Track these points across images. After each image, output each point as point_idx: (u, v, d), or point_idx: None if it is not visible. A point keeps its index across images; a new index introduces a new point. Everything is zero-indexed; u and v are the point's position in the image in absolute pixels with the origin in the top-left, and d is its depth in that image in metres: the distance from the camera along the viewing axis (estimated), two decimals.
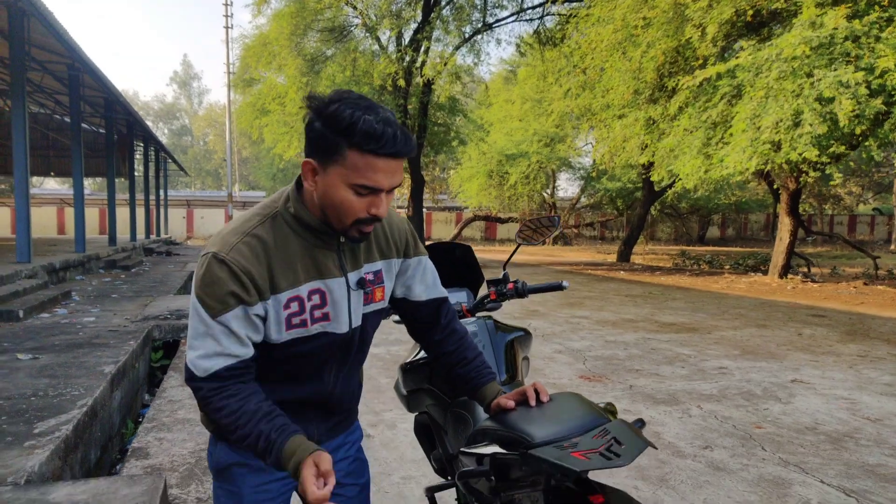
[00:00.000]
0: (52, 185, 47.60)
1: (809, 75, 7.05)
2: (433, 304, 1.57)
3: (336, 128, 1.19)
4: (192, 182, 54.06)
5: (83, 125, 16.95)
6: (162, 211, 26.55)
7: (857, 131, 7.02)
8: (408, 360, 2.11)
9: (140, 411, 5.44)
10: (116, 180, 17.31)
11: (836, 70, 6.77)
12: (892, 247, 28.57)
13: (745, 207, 31.55)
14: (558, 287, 2.11)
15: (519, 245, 2.16)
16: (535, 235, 2.10)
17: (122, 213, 21.37)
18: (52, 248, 14.42)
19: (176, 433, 3.93)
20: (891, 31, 6.81)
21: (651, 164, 10.96)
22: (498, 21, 17.17)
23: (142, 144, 21.41)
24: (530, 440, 1.27)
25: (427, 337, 1.62)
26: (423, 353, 2.03)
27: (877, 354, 6.40)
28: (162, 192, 25.84)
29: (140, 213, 22.64)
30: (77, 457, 3.55)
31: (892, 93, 6.80)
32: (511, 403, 1.45)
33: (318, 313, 1.35)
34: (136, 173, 20.30)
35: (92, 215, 29.72)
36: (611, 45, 9.49)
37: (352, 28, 16.01)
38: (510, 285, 2.10)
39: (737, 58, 7.76)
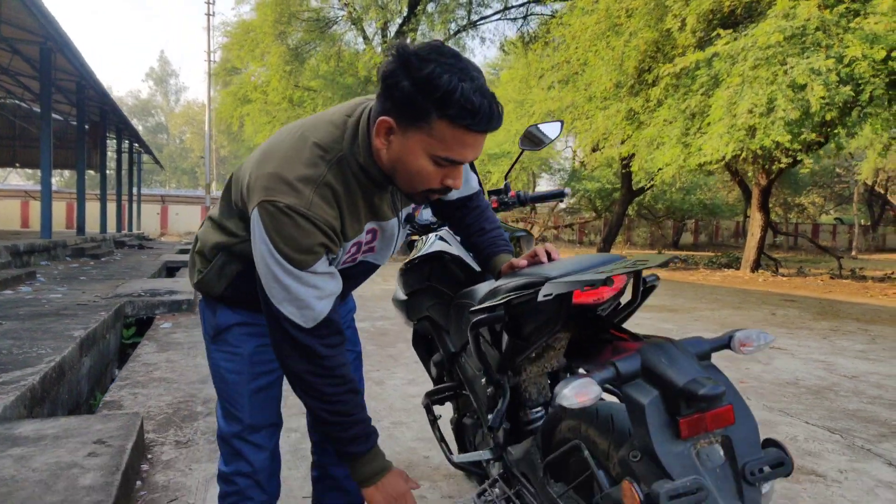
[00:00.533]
0: (17, 181, 46.31)
1: (783, 63, 7.21)
2: (462, 200, 1.59)
3: (429, 94, 1.07)
4: (168, 180, 52.94)
5: (53, 115, 16.53)
6: (134, 206, 25.91)
7: (828, 117, 7.20)
8: (406, 260, 2.07)
9: (109, 386, 5.28)
10: (87, 174, 16.88)
11: (808, 58, 6.94)
12: (853, 253, 29.41)
13: (718, 212, 32.14)
14: (560, 194, 2.10)
15: (522, 151, 2.13)
16: (536, 143, 2.08)
17: (92, 209, 20.82)
18: (16, 236, 14.00)
19: (152, 389, 3.81)
20: (858, 22, 7.01)
21: (632, 155, 11.10)
22: (482, 19, 17.27)
23: (115, 137, 20.93)
24: (548, 276, 1.24)
25: (450, 216, 1.63)
26: (422, 252, 1.99)
27: (848, 329, 6.54)
28: (135, 188, 25.27)
29: (111, 207, 22.08)
30: (43, 411, 3.41)
31: (860, 82, 6.99)
32: (523, 262, 1.43)
33: (366, 247, 1.36)
34: (107, 171, 19.79)
35: (59, 209, 28.74)
36: (594, 34, 9.62)
37: (337, 20, 15.90)
38: (512, 193, 2.09)
39: (715, 44, 7.92)
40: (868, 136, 17.57)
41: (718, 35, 7.93)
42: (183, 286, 8.52)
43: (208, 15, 21.02)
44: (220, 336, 1.40)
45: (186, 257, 14.45)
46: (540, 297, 1.21)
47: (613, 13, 9.39)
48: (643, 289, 1.36)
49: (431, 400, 2.05)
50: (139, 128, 56.65)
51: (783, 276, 13.60)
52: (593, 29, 9.61)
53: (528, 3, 15.44)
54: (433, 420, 2.08)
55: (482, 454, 1.64)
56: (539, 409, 1.68)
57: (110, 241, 17.17)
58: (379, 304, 7.40)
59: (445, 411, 2.30)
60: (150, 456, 2.75)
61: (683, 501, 0.95)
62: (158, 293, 7.28)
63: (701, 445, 1.02)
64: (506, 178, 2.16)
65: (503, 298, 1.34)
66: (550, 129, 2.06)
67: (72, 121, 19.47)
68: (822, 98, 6.81)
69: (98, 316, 5.28)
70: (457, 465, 1.92)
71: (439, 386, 2.00)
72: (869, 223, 37.39)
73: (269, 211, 1.15)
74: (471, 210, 1.60)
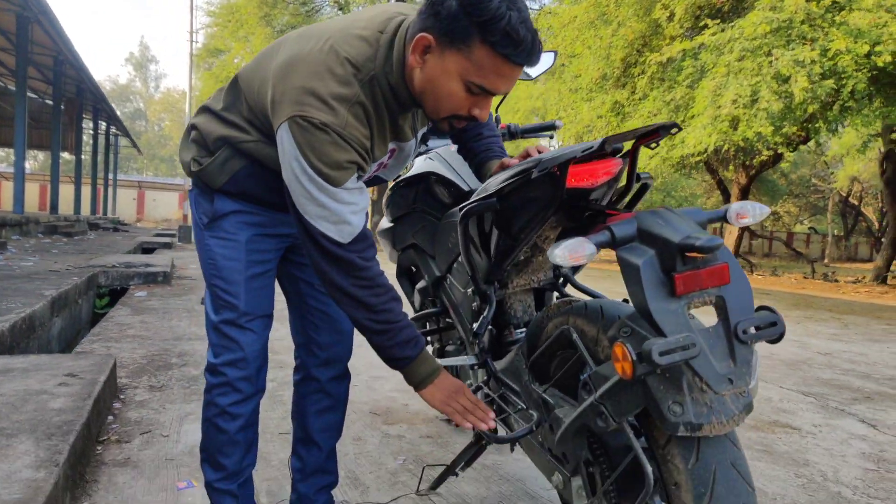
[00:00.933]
0: None
1: (768, 55, 7.31)
2: None
3: (476, 17, 1.05)
4: (145, 168, 51.85)
5: (28, 94, 16.12)
6: (110, 191, 25.39)
7: (810, 110, 7.33)
8: (392, 183, 2.03)
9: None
10: (62, 158, 16.49)
11: (793, 50, 7.05)
12: (826, 261, 30.06)
13: None
14: (551, 126, 2.09)
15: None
16: (534, 70, 2.06)
17: (66, 192, 20.32)
18: None
19: (125, 344, 3.73)
20: (843, 16, 7.14)
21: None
22: None
23: (91, 117, 20.52)
24: (539, 160, 1.23)
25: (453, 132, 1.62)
26: (410, 173, 1.96)
27: (821, 317, 6.66)
28: (111, 173, 24.74)
29: (86, 191, 21.64)
30: None
31: (843, 76, 7.11)
32: (514, 161, 1.42)
33: (381, 164, 1.38)
34: (83, 155, 19.35)
35: (32, 191, 28.01)
36: (583, 23, 9.67)
37: (324, 5, 15.73)
38: (502, 125, 2.07)
39: (702, 34, 8.00)
40: (846, 144, 17.97)
41: (706, 26, 8.01)
42: (159, 260, 8.36)
43: None
44: (215, 222, 1.36)
45: (163, 240, 14.22)
46: (535, 174, 1.20)
47: (602, 2, 9.45)
48: (638, 186, 1.36)
49: (416, 321, 2.02)
50: (117, 113, 55.22)
51: (759, 276, 13.86)
52: (582, 18, 9.67)
53: None
54: None
55: (466, 359, 1.62)
56: (523, 329, 1.67)
57: (84, 221, 16.82)
58: None
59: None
60: (122, 396, 2.68)
61: (675, 356, 0.94)
62: (133, 265, 7.15)
63: (695, 305, 1.01)
64: (495, 111, 2.13)
65: (497, 187, 1.33)
66: (545, 59, 2.04)
67: (47, 100, 19.01)
68: (805, 90, 6.91)
69: (70, 280, 5.16)
70: None
71: (423, 312, 1.97)
72: (842, 234, 38.21)
73: (302, 126, 1.12)
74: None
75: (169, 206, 31.39)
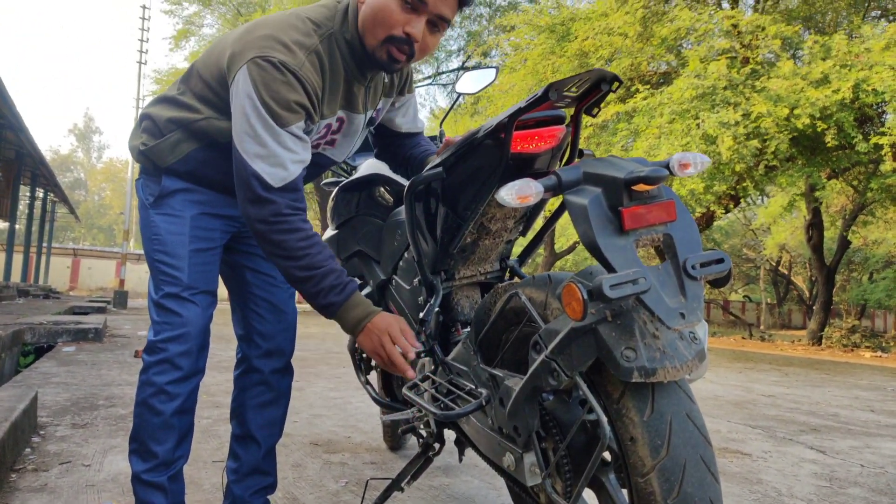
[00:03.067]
0: None
1: (696, 117, 7.85)
2: (408, 135, 1.66)
3: None
4: (82, 237, 49.83)
5: None
6: (44, 259, 24.20)
7: (737, 168, 7.81)
8: (338, 186, 2.01)
9: None
10: None
11: (718, 112, 7.61)
12: (761, 328, 31.24)
13: None
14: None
15: (458, 97, 2.16)
16: (472, 88, 2.12)
17: None
18: None
19: (49, 389, 3.46)
20: (763, 82, 7.79)
21: (557, 212, 11.47)
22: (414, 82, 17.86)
23: (29, 183, 19.82)
24: (482, 126, 1.25)
25: (393, 146, 1.68)
26: (355, 176, 1.95)
27: (762, 368, 6.83)
28: (45, 242, 23.67)
29: (17, 259, 20.60)
30: None
31: (765, 137, 7.66)
32: (459, 139, 1.44)
33: (330, 136, 1.39)
34: (16, 225, 18.53)
35: None
36: (521, 90, 10.16)
37: None
38: (447, 139, 2.10)
39: (634, 98, 8.52)
40: (772, 214, 19.08)
41: (637, 90, 8.54)
42: (91, 319, 7.91)
43: (139, 63, 20.53)
44: (162, 200, 1.35)
45: (97, 304, 13.53)
46: (481, 134, 1.22)
47: (539, 70, 9.99)
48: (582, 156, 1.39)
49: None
50: (56, 179, 53.27)
51: None
52: (520, 85, 10.16)
53: (459, 70, 16.09)
54: (358, 363, 1.98)
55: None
56: (468, 329, 1.64)
57: (13, 288, 15.91)
58: (300, 342, 7.17)
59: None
60: (42, 432, 2.46)
61: (626, 289, 0.94)
62: (62, 323, 6.75)
63: (643, 242, 1.02)
64: (440, 125, 2.17)
65: (442, 158, 1.34)
66: (486, 75, 2.11)
67: None
68: (731, 149, 7.38)
69: None
70: (380, 403, 1.83)
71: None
72: (775, 302, 39.94)
73: (260, 65, 1.17)
74: (413, 138, 1.67)
75: (105, 274, 29.98)
